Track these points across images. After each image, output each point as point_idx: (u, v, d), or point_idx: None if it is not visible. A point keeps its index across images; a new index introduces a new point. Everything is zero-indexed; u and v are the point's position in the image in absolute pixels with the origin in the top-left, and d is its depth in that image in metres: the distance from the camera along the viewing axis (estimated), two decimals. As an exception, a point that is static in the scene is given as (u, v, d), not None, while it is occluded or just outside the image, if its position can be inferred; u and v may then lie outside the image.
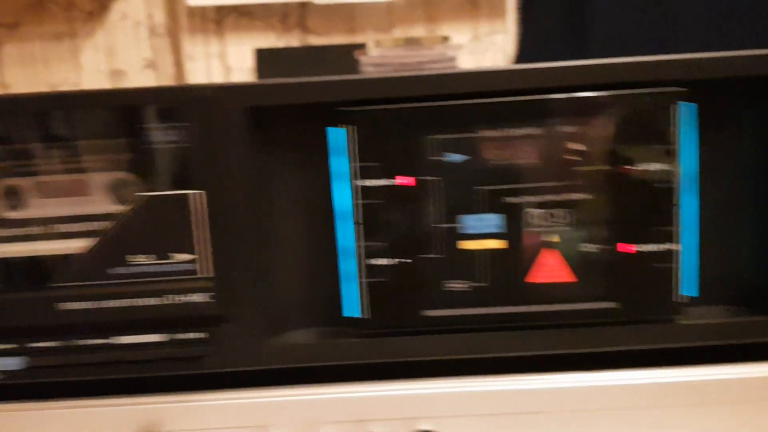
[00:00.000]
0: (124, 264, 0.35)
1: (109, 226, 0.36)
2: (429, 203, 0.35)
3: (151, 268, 0.35)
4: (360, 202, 0.35)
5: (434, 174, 0.35)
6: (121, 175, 0.36)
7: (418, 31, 1.60)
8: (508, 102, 0.34)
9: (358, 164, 0.35)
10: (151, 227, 0.35)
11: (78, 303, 0.35)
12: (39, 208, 0.36)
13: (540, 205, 0.35)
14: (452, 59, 1.37)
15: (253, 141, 0.35)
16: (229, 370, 0.37)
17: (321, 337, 0.37)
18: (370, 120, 0.35)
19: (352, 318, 0.36)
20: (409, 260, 0.35)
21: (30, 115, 0.35)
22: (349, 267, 0.36)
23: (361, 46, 1.74)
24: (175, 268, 0.35)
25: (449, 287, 0.36)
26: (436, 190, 0.35)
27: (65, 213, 0.36)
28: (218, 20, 1.61)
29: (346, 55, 1.57)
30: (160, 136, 0.35)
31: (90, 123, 0.35)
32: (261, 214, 0.36)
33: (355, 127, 0.35)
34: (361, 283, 0.36)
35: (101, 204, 0.36)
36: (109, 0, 1.64)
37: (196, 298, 0.35)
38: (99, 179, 0.36)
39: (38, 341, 0.36)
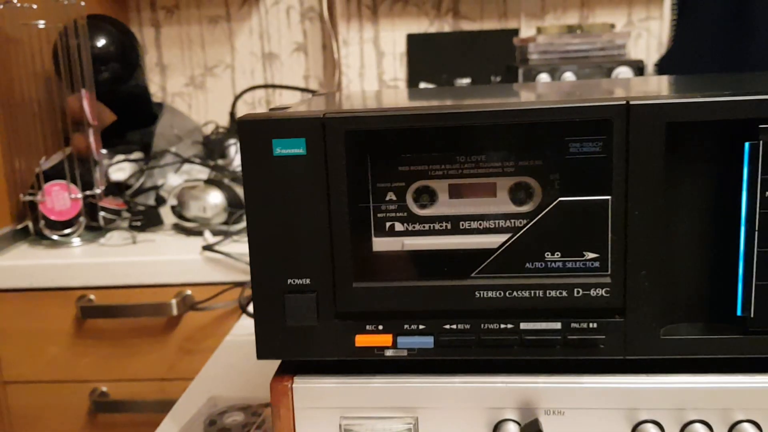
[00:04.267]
0: (541, 260, 0.40)
1: (522, 225, 0.40)
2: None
3: (562, 265, 0.40)
4: (763, 211, 0.38)
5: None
6: (525, 180, 0.40)
7: (572, 17, 1.60)
8: None
9: (762, 177, 0.38)
10: (565, 228, 0.40)
11: (493, 292, 0.40)
12: (450, 207, 0.41)
13: None
14: (621, 47, 1.37)
15: (664, 151, 0.38)
16: (619, 357, 0.41)
17: (706, 332, 0.41)
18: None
19: (739, 316, 0.40)
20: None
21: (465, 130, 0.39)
22: (745, 270, 0.39)
23: (514, 32, 1.75)
24: (582, 265, 0.40)
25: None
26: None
27: (477, 212, 0.41)
28: (373, 6, 1.66)
29: (498, 41, 1.59)
30: (576, 147, 0.39)
31: (507, 135, 0.40)
32: (664, 220, 0.39)
33: (762, 142, 0.38)
34: (751, 285, 0.39)
35: (504, 205, 0.41)
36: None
37: (598, 292, 0.40)
38: (504, 183, 0.41)
39: (452, 323, 0.41)
